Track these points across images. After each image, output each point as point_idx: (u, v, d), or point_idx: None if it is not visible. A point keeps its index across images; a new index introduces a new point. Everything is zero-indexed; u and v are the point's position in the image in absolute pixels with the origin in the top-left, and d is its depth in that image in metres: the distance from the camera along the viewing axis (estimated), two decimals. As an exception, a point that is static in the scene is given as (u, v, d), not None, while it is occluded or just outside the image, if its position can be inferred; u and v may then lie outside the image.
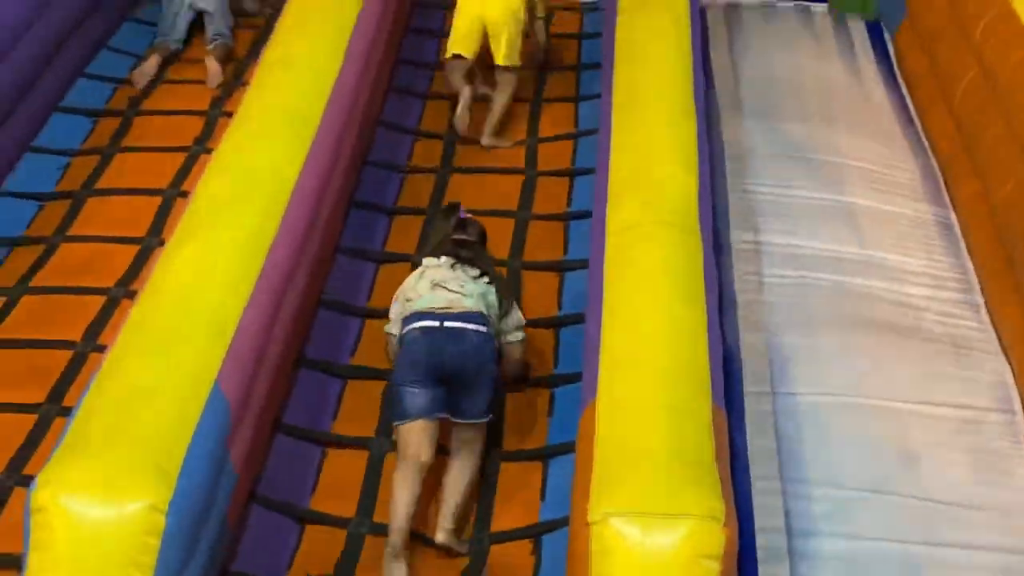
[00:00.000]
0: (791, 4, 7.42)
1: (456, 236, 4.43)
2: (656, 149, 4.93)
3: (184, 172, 5.69)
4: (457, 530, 4.02)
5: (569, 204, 5.68)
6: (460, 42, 6.04)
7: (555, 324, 4.97)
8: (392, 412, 4.16)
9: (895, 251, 5.37)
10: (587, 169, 5.67)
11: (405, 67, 6.65)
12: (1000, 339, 4.89)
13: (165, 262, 4.14)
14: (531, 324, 4.95)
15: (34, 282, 5.05)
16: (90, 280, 5.03)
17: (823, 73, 6.64)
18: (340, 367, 4.72)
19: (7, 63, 5.60)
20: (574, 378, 4.54)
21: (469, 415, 4.12)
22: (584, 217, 5.36)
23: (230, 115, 5.19)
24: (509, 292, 4.42)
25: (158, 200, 5.52)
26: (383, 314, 4.99)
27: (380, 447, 4.39)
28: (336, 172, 5.09)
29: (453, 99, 6.13)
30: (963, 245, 5.44)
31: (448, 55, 6.06)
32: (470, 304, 4.20)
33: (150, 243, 5.21)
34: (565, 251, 5.36)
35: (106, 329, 4.75)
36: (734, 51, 6.82)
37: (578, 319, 4.78)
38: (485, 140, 6.00)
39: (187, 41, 6.79)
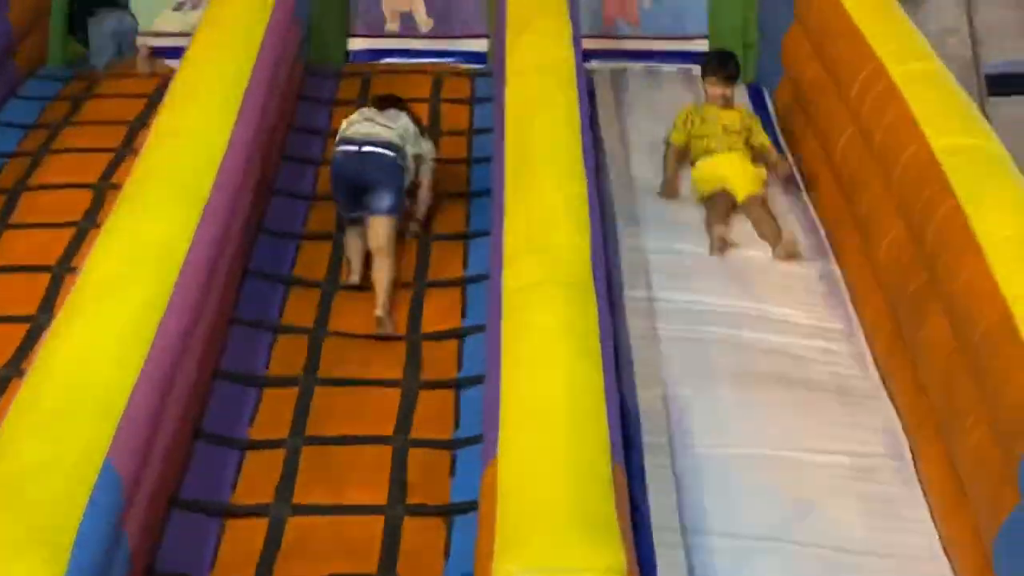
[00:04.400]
0: (675, 68, 7.61)
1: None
2: (548, 210, 5.00)
3: (73, 248, 5.61)
4: (389, 314, 5.33)
5: (465, 267, 5.72)
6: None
7: (455, 385, 4.99)
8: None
9: (783, 304, 5.50)
10: (482, 232, 5.74)
11: (298, 134, 6.67)
12: (887, 387, 5.03)
13: (53, 339, 4.07)
14: (431, 386, 4.98)
15: (-85, 364, 4.93)
16: (-24, 363, 4.93)
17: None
18: (239, 440, 4.67)
19: None
20: (475, 440, 4.56)
21: (376, 211, 5.52)
22: (481, 280, 5.41)
23: (118, 187, 5.15)
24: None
25: (47, 277, 5.43)
26: (282, 383, 4.98)
27: (280, 512, 4.36)
28: (228, 242, 5.06)
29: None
30: (847, 297, 5.59)
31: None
32: (388, 135, 5.60)
33: (40, 321, 5.12)
34: (463, 315, 5.40)
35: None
36: (621, 113, 6.97)
37: (478, 380, 4.81)
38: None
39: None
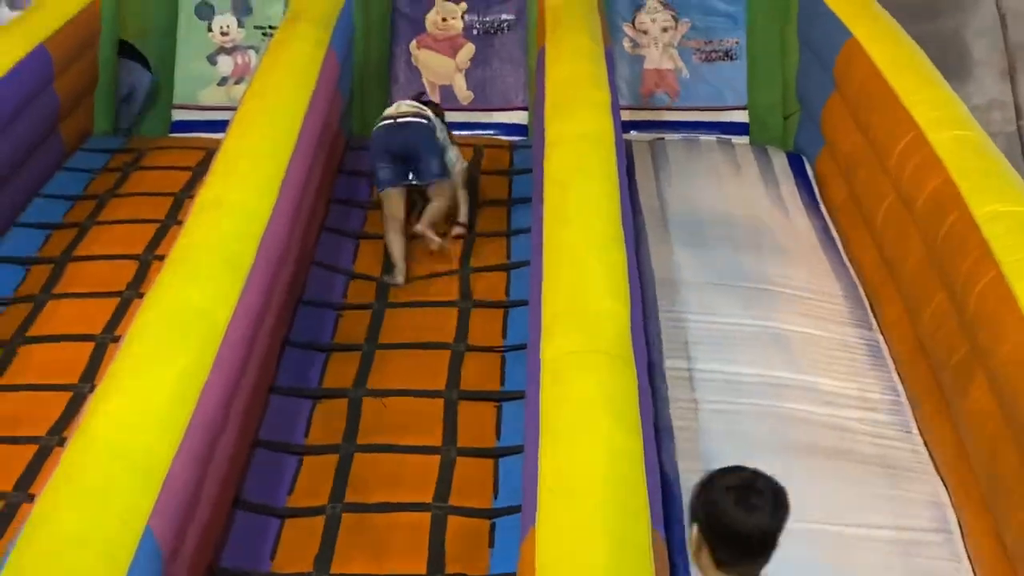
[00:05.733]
0: (713, 138, 7.64)
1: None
2: (587, 279, 5.00)
3: (117, 317, 5.67)
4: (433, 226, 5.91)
5: (504, 336, 5.72)
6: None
7: (494, 455, 4.97)
8: (375, 183, 6.26)
9: (826, 375, 5.45)
10: (521, 301, 5.75)
11: (338, 206, 6.73)
12: (933, 460, 4.95)
13: (95, 407, 4.10)
14: (469, 454, 4.95)
15: (-37, 435, 4.98)
16: (22, 429, 4.96)
17: (748, 202, 6.81)
18: (278, 508, 4.67)
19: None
20: (514, 509, 4.53)
21: (426, 176, 6.14)
22: (520, 348, 5.41)
23: (163, 258, 5.20)
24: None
25: (91, 346, 5.48)
26: (321, 451, 4.98)
27: None
28: (269, 312, 5.10)
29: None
30: (892, 367, 5.53)
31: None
32: (424, 113, 6.28)
33: (82, 390, 5.16)
34: (502, 382, 5.39)
35: (38, 479, 4.67)
36: (660, 181, 6.99)
37: (517, 450, 4.78)
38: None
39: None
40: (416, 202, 6.42)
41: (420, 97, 6.68)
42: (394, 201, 6.08)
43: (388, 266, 6.18)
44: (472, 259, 6.29)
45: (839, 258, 6.34)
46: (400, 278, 5.98)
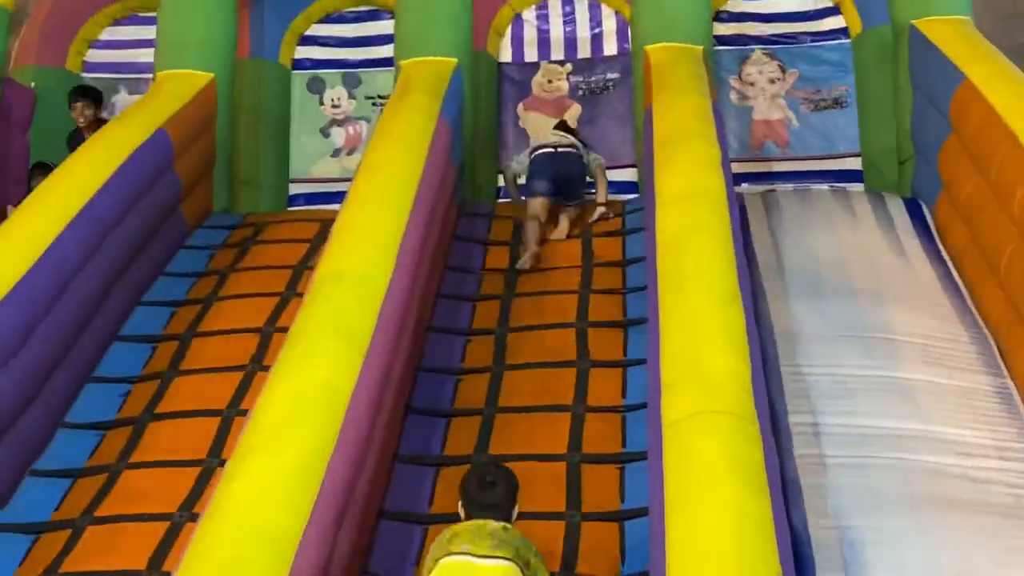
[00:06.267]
0: (826, 186, 7.54)
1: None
2: (705, 336, 4.95)
3: (242, 391, 5.77)
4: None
5: (624, 395, 5.69)
6: None
7: (619, 518, 4.92)
8: (525, 192, 7.20)
9: (956, 424, 5.31)
10: (639, 360, 5.71)
11: (454, 273, 6.79)
12: (1070, 506, 4.79)
13: (224, 485, 4.17)
14: (593, 518, 4.91)
15: (98, 512, 5.09)
16: (153, 506, 5.06)
17: (865, 250, 6.69)
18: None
19: (64, 300, 5.77)
20: (642, 575, 4.48)
21: (573, 199, 7.24)
22: (639, 408, 5.37)
23: (284, 331, 5.29)
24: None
25: (217, 421, 5.58)
26: (446, 520, 4.97)
27: None
28: (390, 382, 5.15)
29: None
30: (1023, 413, 5.37)
31: None
32: (571, 141, 7.26)
33: (211, 465, 5.25)
34: (623, 443, 5.35)
35: (170, 555, 4.76)
36: (774, 233, 6.91)
37: (642, 512, 4.74)
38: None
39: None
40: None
41: (563, 125, 7.44)
42: (540, 206, 7.06)
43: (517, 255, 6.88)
44: (589, 315, 6.27)
45: (964, 304, 6.19)
46: (530, 263, 6.77)
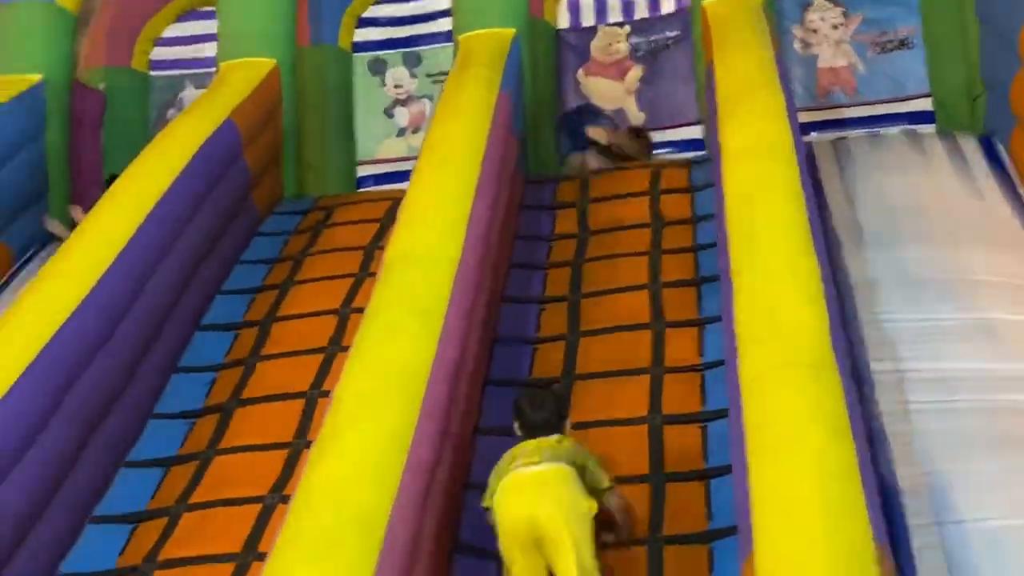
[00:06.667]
0: (896, 130, 7.43)
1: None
2: (780, 290, 4.92)
3: (323, 373, 5.84)
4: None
5: (701, 354, 5.67)
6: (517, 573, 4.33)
7: (704, 476, 4.92)
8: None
9: None
10: (714, 317, 5.69)
11: (523, 242, 6.80)
12: None
13: (312, 467, 4.24)
14: (679, 479, 4.91)
15: (192, 499, 5.20)
16: (245, 490, 5.16)
17: (940, 192, 6.59)
18: (495, 551, 4.71)
19: (144, 298, 5.87)
20: (730, 531, 4.48)
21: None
22: (718, 366, 5.35)
23: (361, 311, 5.34)
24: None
25: (301, 403, 5.66)
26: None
27: None
28: (467, 357, 5.18)
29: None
30: (1111, 348, 5.27)
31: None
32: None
33: (299, 446, 5.33)
34: (703, 402, 5.34)
35: (264, 536, 4.85)
36: (845, 181, 6.83)
37: (726, 470, 4.73)
38: None
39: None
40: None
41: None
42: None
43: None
44: (662, 275, 6.25)
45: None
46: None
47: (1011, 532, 4.34)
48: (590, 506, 4.29)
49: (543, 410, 4.53)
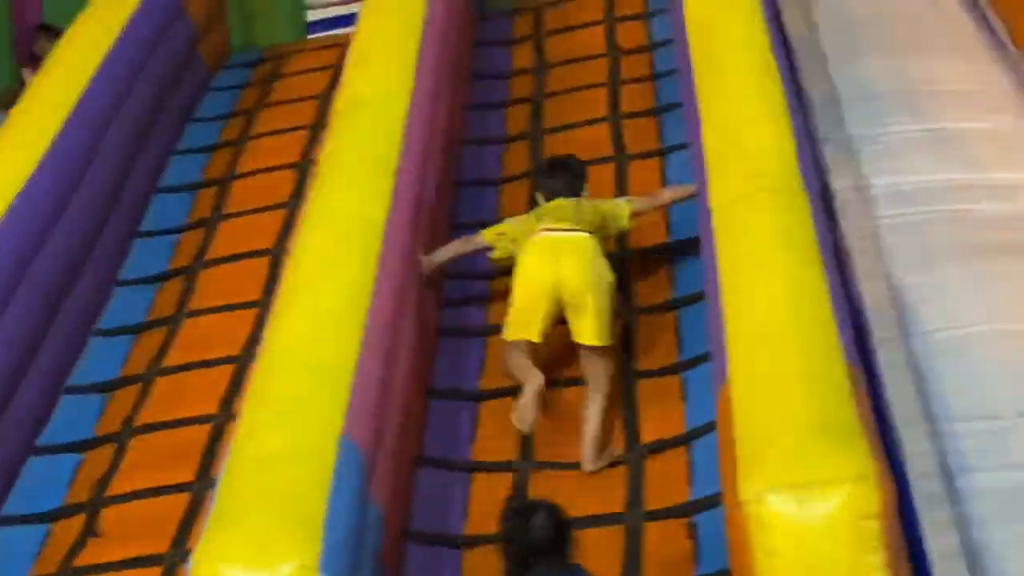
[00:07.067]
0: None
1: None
2: (745, 115, 4.87)
3: (287, 228, 5.76)
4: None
5: (663, 180, 5.62)
6: (524, 322, 4.60)
7: (672, 307, 4.93)
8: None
9: (1005, 169, 5.19)
10: (678, 146, 5.63)
11: (480, 80, 6.67)
12: None
13: (275, 323, 4.21)
14: (648, 311, 4.92)
15: (165, 362, 5.18)
16: (217, 351, 5.14)
17: (898, 2, 6.47)
18: (469, 391, 4.74)
19: (97, 163, 5.75)
20: (702, 359, 4.51)
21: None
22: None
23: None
24: None
25: (267, 261, 5.61)
26: (497, 329, 5.01)
27: (524, 470, 4.43)
28: (424, 200, 5.11)
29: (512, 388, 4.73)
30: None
31: (509, 337, 4.64)
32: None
33: (267, 304, 5.27)
34: (668, 232, 5.31)
35: (239, 397, 4.85)
36: (804, -3, 6.68)
37: (696, 298, 4.73)
38: (588, 465, 4.45)
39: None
40: None
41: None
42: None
43: None
44: (621, 106, 6.14)
45: (1004, 48, 5.97)
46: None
47: (977, 339, 4.37)
48: (612, 278, 4.64)
49: (561, 174, 4.86)
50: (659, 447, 4.39)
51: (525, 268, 4.64)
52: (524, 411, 4.40)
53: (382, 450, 3.92)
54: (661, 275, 5.12)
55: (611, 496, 4.24)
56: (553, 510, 3.51)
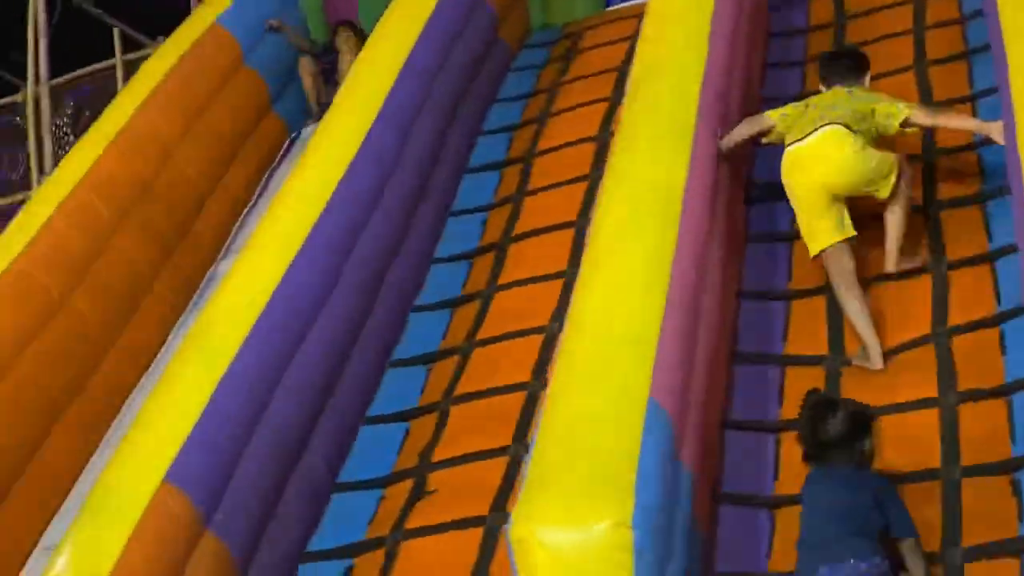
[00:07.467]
0: None
1: None
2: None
3: (588, 201, 5.86)
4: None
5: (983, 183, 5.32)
6: (822, 229, 4.76)
7: (997, 321, 4.58)
8: None
9: None
10: (988, 90, 5.37)
11: (777, 39, 6.56)
12: None
13: (580, 292, 4.32)
14: (969, 329, 4.62)
15: (480, 335, 5.40)
16: (528, 322, 5.30)
17: None
18: (774, 356, 4.72)
19: (407, 150, 6.06)
20: (1019, 311, 4.34)
21: None
22: (1001, 195, 4.94)
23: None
24: None
25: (571, 233, 5.73)
26: (807, 294, 4.95)
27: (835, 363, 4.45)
28: (723, 162, 5.09)
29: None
30: None
31: (813, 252, 4.78)
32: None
33: (573, 275, 5.41)
34: (989, 239, 4.94)
35: (551, 365, 5.00)
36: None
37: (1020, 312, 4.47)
38: (891, 266, 4.80)
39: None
40: None
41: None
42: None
43: None
44: (927, 54, 5.94)
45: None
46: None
47: None
48: (876, 159, 4.73)
49: (839, 64, 5.03)
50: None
51: (791, 185, 4.87)
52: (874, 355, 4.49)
53: (689, 414, 3.97)
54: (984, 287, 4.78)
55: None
56: (847, 409, 3.63)
